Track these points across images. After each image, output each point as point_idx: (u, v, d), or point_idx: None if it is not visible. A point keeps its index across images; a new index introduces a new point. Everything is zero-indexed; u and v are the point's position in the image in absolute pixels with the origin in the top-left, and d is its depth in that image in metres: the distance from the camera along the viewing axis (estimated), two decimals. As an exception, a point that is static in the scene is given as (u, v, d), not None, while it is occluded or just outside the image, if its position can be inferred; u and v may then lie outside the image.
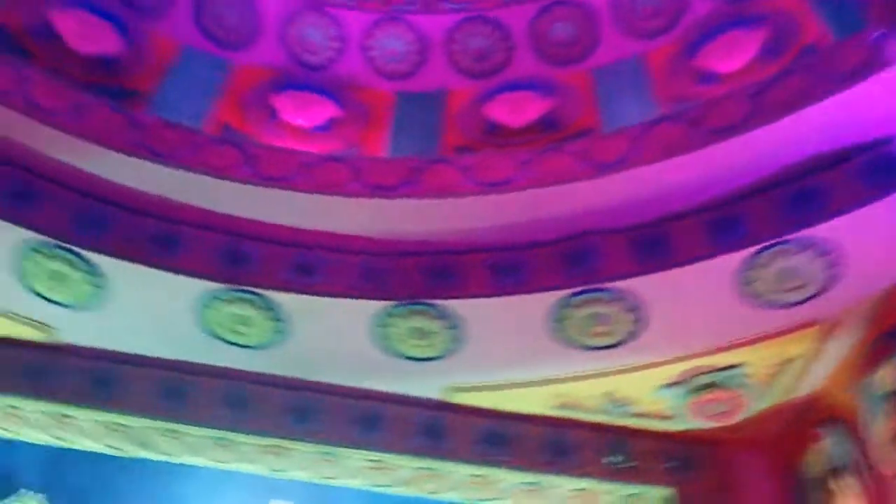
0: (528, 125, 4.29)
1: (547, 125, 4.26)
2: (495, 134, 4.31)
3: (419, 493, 4.50)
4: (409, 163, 3.88)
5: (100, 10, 4.10)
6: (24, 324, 3.83)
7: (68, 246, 3.52)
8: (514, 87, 4.40)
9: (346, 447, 4.17)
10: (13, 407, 3.89)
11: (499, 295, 3.79)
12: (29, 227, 3.48)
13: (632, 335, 3.84)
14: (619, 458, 4.29)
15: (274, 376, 4.04)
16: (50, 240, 3.51)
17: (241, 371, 4.01)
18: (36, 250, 3.53)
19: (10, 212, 3.45)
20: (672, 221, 3.71)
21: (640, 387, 4.12)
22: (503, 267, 3.80)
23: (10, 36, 3.91)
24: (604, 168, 3.69)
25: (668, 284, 3.66)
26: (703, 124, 3.57)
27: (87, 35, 4.03)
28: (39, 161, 3.54)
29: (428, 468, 4.22)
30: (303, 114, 4.40)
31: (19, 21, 4.01)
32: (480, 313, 3.82)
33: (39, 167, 3.54)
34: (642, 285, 3.68)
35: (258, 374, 4.06)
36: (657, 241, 3.71)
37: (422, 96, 4.69)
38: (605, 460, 4.26)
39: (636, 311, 3.76)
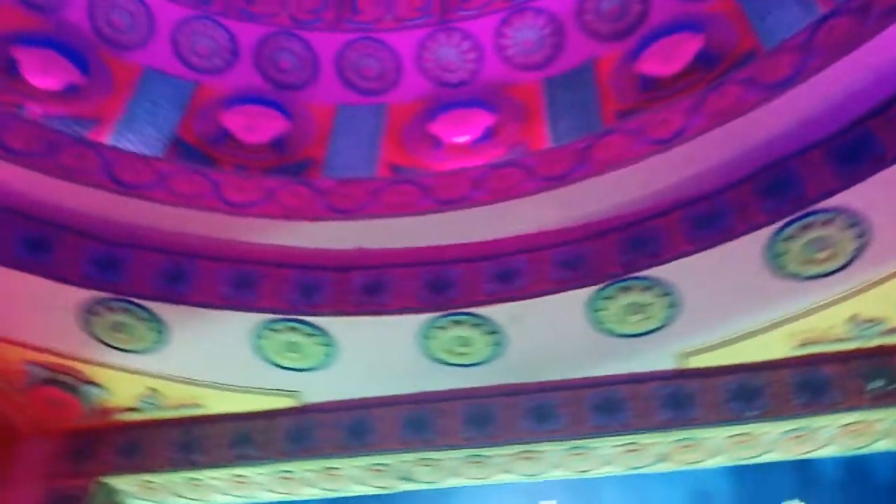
0: (684, 69, 4.13)
1: (704, 63, 4.08)
2: (653, 88, 4.18)
3: (680, 466, 4.39)
4: (576, 145, 3.85)
5: (260, 100, 4.46)
6: (274, 395, 4.18)
7: (295, 317, 3.81)
8: (658, 35, 4.26)
9: (592, 437, 4.16)
10: (285, 471, 4.24)
11: (705, 248, 3.65)
12: (259, 310, 3.81)
13: (859, 252, 3.56)
14: (883, 382, 3.96)
15: (506, 385, 4.11)
16: (279, 316, 3.82)
17: (473, 389, 4.12)
18: (269, 328, 3.86)
19: (241, 301, 3.82)
20: (870, 120, 3.42)
21: (884, 302, 3.80)
22: (703, 219, 3.66)
23: (193, 148, 4.34)
24: (777, 87, 3.48)
25: (881, 188, 3.37)
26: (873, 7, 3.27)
27: (255, 127, 4.40)
28: (254, 249, 3.87)
29: (682, 440, 4.11)
30: (461, 131, 4.49)
31: (197, 132, 4.44)
32: (690, 272, 3.70)
33: (255, 255, 3.88)
34: (856, 196, 3.41)
35: (490, 388, 4.15)
36: (857, 147, 3.43)
37: (568, 76, 4.65)
38: (868, 388, 3.96)
39: (856, 225, 3.49)
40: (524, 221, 3.83)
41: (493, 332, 3.90)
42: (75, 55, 4.44)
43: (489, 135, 4.51)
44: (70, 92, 4.36)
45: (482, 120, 4.56)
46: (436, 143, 4.54)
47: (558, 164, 3.82)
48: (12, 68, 4.31)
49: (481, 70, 4.79)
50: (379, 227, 3.83)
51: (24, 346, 3.95)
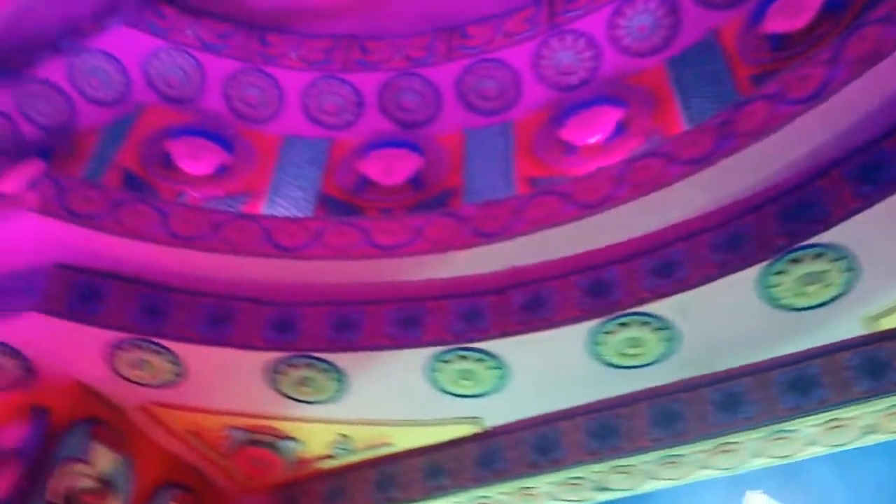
0: (813, 19, 3.95)
1: (833, 9, 3.85)
2: (785, 46, 3.99)
3: (892, 435, 4.09)
4: (714, 120, 3.71)
5: (392, 143, 4.64)
6: (457, 423, 4.25)
7: (463, 346, 3.88)
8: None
9: (789, 420, 3.95)
10: (481, 497, 4.29)
11: (875, 202, 3.40)
12: (427, 344, 3.91)
13: None
14: None
15: (687, 380, 3.98)
16: (447, 347, 3.90)
17: (654, 389, 4.02)
18: (440, 360, 3.95)
19: (409, 338, 3.93)
20: None
21: None
22: (866, 172, 3.41)
23: (339, 201, 4.55)
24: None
25: None
26: None
27: (392, 169, 4.58)
28: (412, 287, 3.99)
29: (889, 407, 3.83)
30: (592, 131, 4.46)
31: (339, 186, 4.67)
32: (863, 230, 3.44)
33: (414, 292, 3.99)
34: None
35: (671, 385, 4.03)
36: None
37: (691, 52, 4.53)
38: None
39: None
40: (674, 210, 3.72)
41: (664, 328, 3.80)
42: (219, 138, 4.79)
43: (621, 129, 4.45)
44: (221, 172, 4.69)
45: (611, 116, 4.50)
46: (569, 148, 4.52)
47: (698, 145, 3.69)
48: (167, 161, 4.69)
49: (600, 66, 4.74)
50: (528, 243, 3.83)
51: (223, 413, 4.24)
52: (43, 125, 5.00)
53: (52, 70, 4.91)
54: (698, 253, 3.69)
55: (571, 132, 4.56)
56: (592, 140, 4.49)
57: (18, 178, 4.62)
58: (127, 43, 4.84)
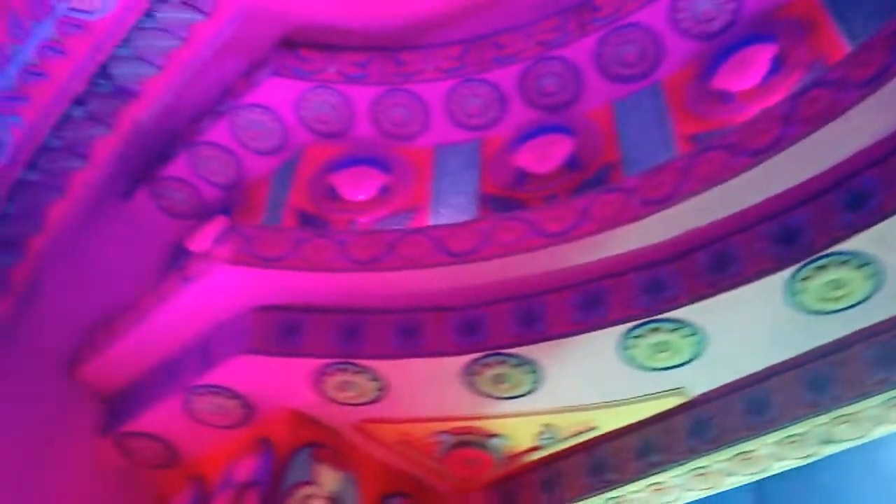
0: None
1: None
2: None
3: None
4: (883, 33, 3.39)
5: (541, 130, 4.70)
6: (661, 397, 4.17)
7: (652, 318, 3.80)
8: None
9: None
10: (699, 468, 4.19)
11: None
12: (615, 322, 3.87)
13: None
14: None
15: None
16: (635, 323, 3.84)
17: (869, 328, 3.77)
18: (631, 337, 3.89)
19: (595, 320, 3.89)
20: None
21: None
22: None
23: (500, 198, 4.61)
24: None
25: None
26: None
27: (545, 155, 4.63)
28: (589, 268, 3.97)
29: None
30: (747, 74, 4.30)
31: (497, 183, 4.75)
32: None
33: (591, 273, 3.98)
34: None
35: (883, 324, 3.76)
36: None
37: None
38: None
39: None
40: (856, 137, 3.45)
41: (865, 264, 3.54)
42: (376, 161, 4.97)
43: (777, 66, 4.20)
44: (384, 193, 4.87)
45: (763, 54, 4.26)
46: (725, 97, 4.33)
47: (869, 64, 3.39)
48: (333, 193, 4.93)
49: (742, 5, 4.51)
50: (702, 202, 3.68)
51: (429, 420, 4.39)
52: (218, 183, 5.41)
53: (217, 132, 5.28)
54: (892, 177, 3.42)
55: (724, 80, 4.36)
56: (748, 84, 4.27)
57: (207, 236, 5.04)
58: (277, 92, 5.13)
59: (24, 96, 4.78)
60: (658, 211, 3.79)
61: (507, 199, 4.62)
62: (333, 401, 4.29)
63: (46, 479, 4.51)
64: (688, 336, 3.86)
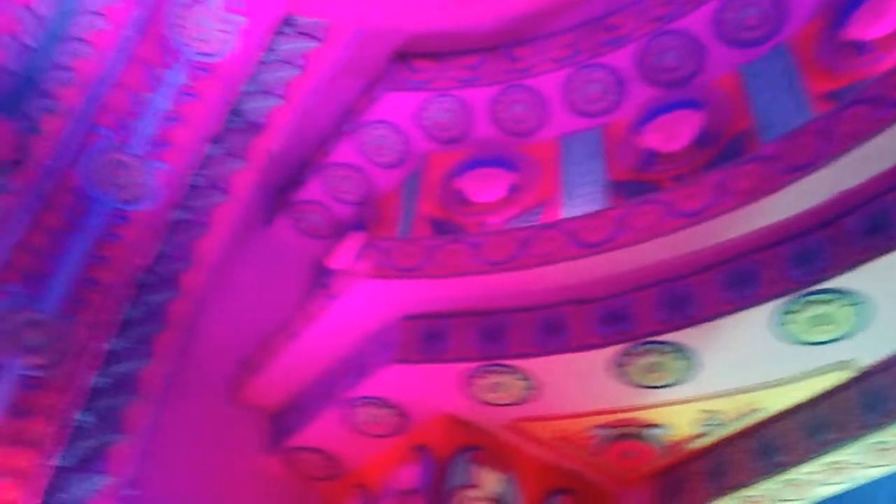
0: None
1: None
2: None
3: None
4: None
5: (668, 107, 4.59)
6: (827, 372, 3.94)
7: (810, 289, 3.61)
8: None
9: None
10: (879, 442, 3.92)
11: None
12: (768, 299, 3.70)
13: None
14: None
15: None
16: (790, 297, 3.65)
17: None
18: (787, 312, 3.70)
19: (747, 298, 3.73)
20: None
21: None
22: None
23: (630, 183, 4.52)
24: None
25: None
26: None
27: (675, 133, 4.53)
28: (735, 244, 3.81)
29: None
30: (884, 19, 4.02)
31: (625, 168, 4.66)
32: None
33: (738, 249, 3.82)
34: None
35: None
36: None
37: None
38: None
39: None
40: None
41: None
42: (502, 161, 4.99)
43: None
44: (513, 192, 4.88)
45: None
46: (859, 47, 4.07)
47: None
48: (462, 198, 4.97)
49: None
50: (851, 162, 3.44)
51: (583, 415, 4.34)
52: (350, 201, 5.57)
53: (344, 152, 5.46)
54: None
55: (857, 29, 4.09)
56: (886, 29, 3.98)
57: (346, 253, 5.20)
58: (395, 106, 5.24)
59: (165, 142, 5.08)
60: (802, 177, 3.58)
61: (636, 182, 4.52)
62: (485, 403, 4.32)
63: (223, 496, 4.78)
64: (849, 305, 3.62)
